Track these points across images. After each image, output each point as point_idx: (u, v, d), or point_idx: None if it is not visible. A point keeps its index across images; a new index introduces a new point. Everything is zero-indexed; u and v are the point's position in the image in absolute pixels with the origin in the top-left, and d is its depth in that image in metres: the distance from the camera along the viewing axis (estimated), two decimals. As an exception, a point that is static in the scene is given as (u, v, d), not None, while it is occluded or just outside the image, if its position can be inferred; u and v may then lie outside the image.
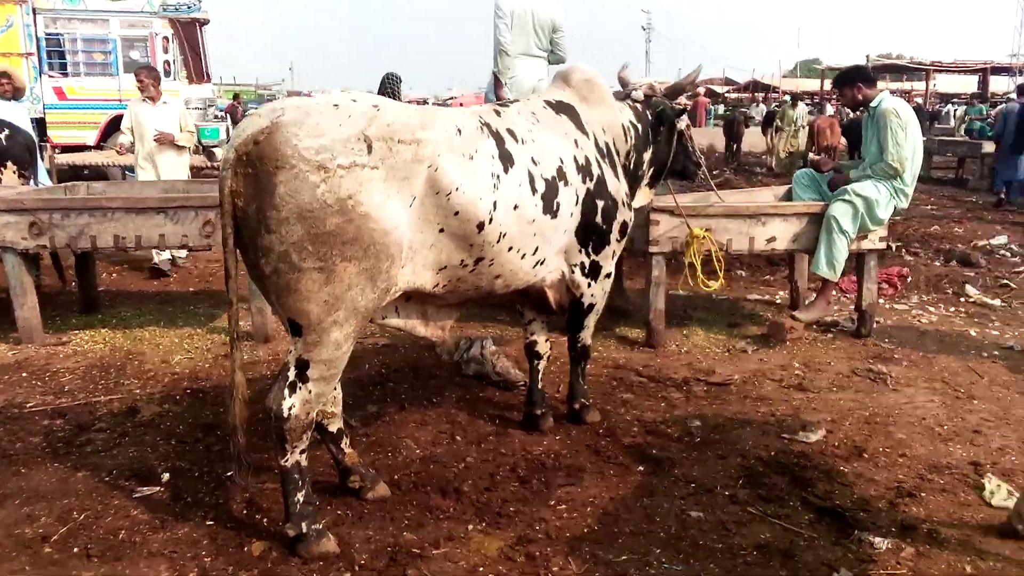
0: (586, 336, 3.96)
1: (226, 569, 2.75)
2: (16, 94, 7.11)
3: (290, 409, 2.76)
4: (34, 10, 13.83)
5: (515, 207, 3.15)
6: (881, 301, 6.28)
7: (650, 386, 4.56)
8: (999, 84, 32.64)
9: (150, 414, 4.11)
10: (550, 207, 3.31)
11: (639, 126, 3.94)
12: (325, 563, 2.77)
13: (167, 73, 15.00)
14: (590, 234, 3.60)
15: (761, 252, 5.26)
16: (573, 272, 3.65)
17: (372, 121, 2.71)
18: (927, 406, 4.25)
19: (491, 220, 3.04)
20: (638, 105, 4.02)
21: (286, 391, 2.77)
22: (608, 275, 3.83)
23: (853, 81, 5.33)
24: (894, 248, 8.18)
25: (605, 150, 3.69)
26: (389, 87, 6.66)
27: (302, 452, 2.83)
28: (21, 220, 5.03)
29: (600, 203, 3.59)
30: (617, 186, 3.70)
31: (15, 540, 2.92)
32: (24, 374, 4.71)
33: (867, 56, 28.70)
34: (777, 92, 29.76)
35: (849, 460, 3.61)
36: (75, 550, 2.86)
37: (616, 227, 3.71)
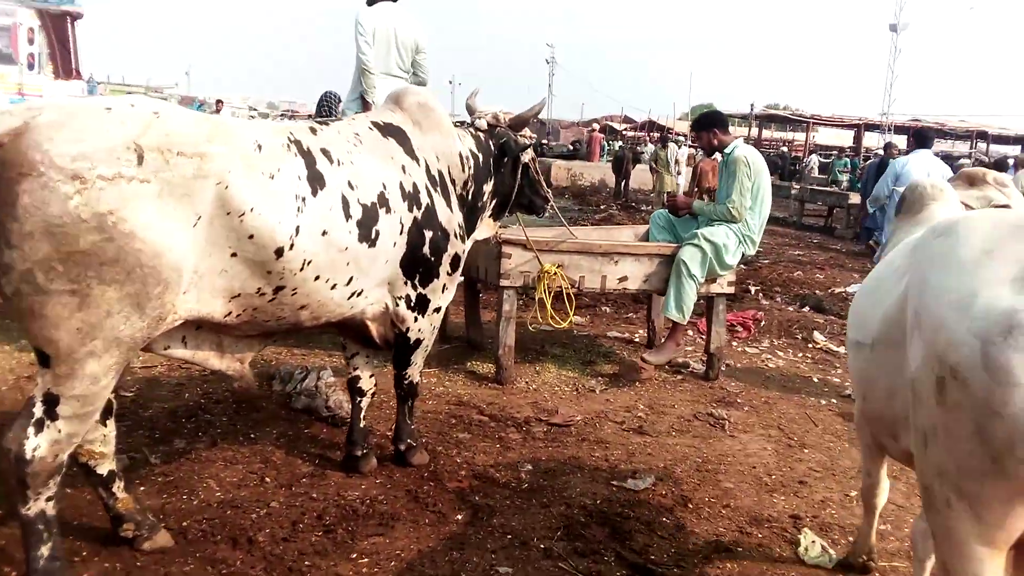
0: (413, 373, 3.74)
1: (-58, 638, 2.36)
2: None
3: (34, 451, 2.40)
4: None
5: (323, 233, 2.91)
6: (734, 344, 6.37)
7: (489, 425, 4.38)
8: (871, 140, 34.86)
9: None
10: (367, 235, 3.09)
11: (480, 156, 3.79)
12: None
13: (31, 66, 14.08)
14: (417, 266, 3.41)
15: (613, 291, 5.21)
16: (398, 305, 3.43)
17: (148, 129, 2.42)
18: (760, 454, 4.25)
19: (292, 246, 2.79)
20: (480, 134, 3.89)
21: (30, 430, 2.40)
22: (437, 309, 3.63)
23: (710, 126, 5.39)
24: (753, 291, 8.40)
25: (437, 178, 3.51)
26: (326, 106, 6.39)
27: (48, 500, 2.46)
28: None
29: (428, 234, 3.40)
30: (449, 217, 3.52)
31: None
32: None
33: (752, 104, 30.06)
34: (671, 132, 30.76)
35: (674, 510, 3.52)
36: None
37: (447, 260, 3.53)
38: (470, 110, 4.09)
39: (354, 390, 3.69)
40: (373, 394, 3.76)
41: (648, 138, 38.78)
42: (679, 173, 16.49)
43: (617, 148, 25.24)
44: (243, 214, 2.63)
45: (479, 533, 3.21)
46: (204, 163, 2.52)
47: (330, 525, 3.18)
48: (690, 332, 5.67)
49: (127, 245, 2.35)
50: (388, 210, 3.19)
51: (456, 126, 3.85)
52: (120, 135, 2.35)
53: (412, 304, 3.46)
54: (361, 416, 3.69)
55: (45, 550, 2.47)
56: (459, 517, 3.34)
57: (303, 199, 2.83)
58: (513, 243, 4.80)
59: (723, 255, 5.08)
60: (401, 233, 3.27)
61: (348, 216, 3.01)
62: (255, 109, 45.39)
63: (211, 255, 2.62)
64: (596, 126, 35.54)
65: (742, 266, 5.36)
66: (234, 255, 2.67)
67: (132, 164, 2.35)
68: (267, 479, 3.55)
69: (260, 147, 2.76)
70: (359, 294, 3.20)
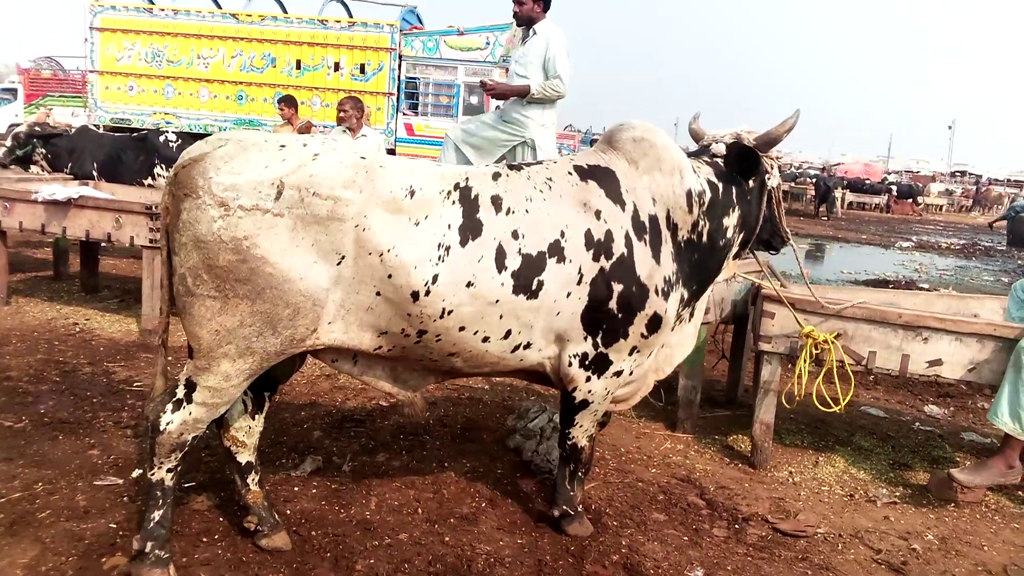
0: (578, 435, 3.32)
1: None
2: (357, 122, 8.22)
3: (167, 424, 2.77)
4: (400, 56, 16.07)
5: (468, 284, 2.81)
6: None
7: (700, 512, 3.68)
8: None
9: None
10: (526, 287, 2.88)
11: (720, 186, 3.23)
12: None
13: (495, 115, 16.32)
14: (600, 322, 3.03)
15: (921, 376, 3.97)
16: (571, 364, 3.08)
17: (298, 169, 2.64)
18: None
19: (428, 292, 2.76)
20: (719, 161, 3.31)
21: (169, 407, 2.79)
22: (618, 373, 3.18)
23: None
24: None
25: (647, 224, 3.07)
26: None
27: (169, 471, 2.81)
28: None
29: (618, 287, 3.00)
30: (652, 269, 3.05)
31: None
32: None
33: None
34: None
35: None
36: None
37: (641, 320, 3.06)
38: (696, 136, 3.54)
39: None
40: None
41: None
42: None
43: None
44: (382, 254, 2.70)
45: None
46: (337, 206, 2.64)
47: (433, 574, 3.01)
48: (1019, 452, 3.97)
49: (259, 268, 2.59)
50: (561, 259, 2.92)
51: (693, 156, 3.37)
52: (272, 172, 2.61)
53: (588, 362, 3.09)
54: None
55: (157, 514, 2.81)
56: (559, 607, 2.87)
57: (446, 248, 2.78)
58: (777, 301, 3.99)
59: (1097, 349, 3.51)
60: (580, 284, 2.97)
61: (502, 267, 2.85)
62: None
63: (359, 292, 2.74)
64: None
65: None
66: (379, 294, 2.75)
67: (270, 199, 2.59)
68: (421, 510, 3.50)
69: (412, 193, 2.78)
70: (527, 347, 3.02)
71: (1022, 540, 3.64)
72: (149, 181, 7.67)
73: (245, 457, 3.13)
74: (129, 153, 7.75)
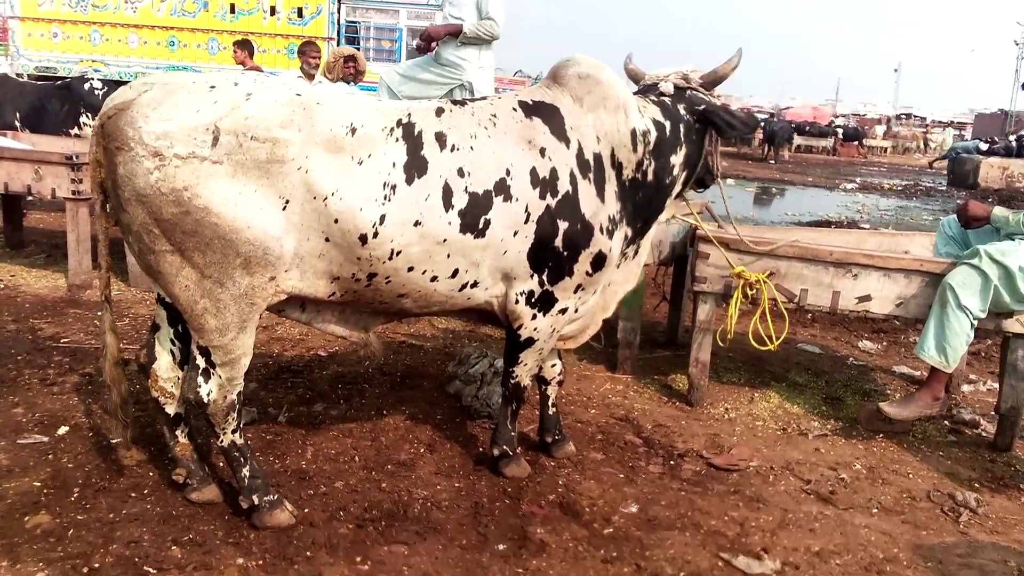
0: (521, 374, 3.32)
1: None
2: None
3: (208, 395, 2.78)
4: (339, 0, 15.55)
5: (416, 223, 2.76)
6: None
7: (637, 450, 3.73)
8: None
9: None
10: (473, 225, 2.85)
11: (667, 125, 3.20)
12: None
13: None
14: (546, 259, 3.02)
15: (851, 312, 4.04)
16: (517, 301, 3.08)
17: (231, 111, 2.51)
18: (992, 572, 2.92)
19: (376, 234, 2.70)
20: (666, 100, 3.28)
21: (199, 379, 2.78)
22: (563, 311, 3.18)
23: None
24: None
25: (591, 163, 3.04)
26: None
27: (234, 431, 2.86)
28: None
29: (563, 225, 2.98)
30: (596, 208, 3.04)
31: None
32: None
33: None
34: None
35: (773, 614, 2.59)
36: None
37: (586, 258, 3.07)
38: (635, 76, 3.50)
39: (538, 378, 3.58)
40: (560, 382, 3.62)
41: None
42: None
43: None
44: (326, 198, 2.63)
45: (504, 571, 2.73)
46: (275, 148, 2.54)
47: (369, 520, 2.99)
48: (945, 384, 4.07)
49: (204, 219, 2.49)
50: (507, 197, 2.89)
51: (639, 95, 3.32)
52: (205, 116, 2.48)
53: (534, 300, 3.09)
54: (549, 404, 3.61)
55: (246, 471, 2.89)
56: (500, 547, 2.88)
57: (392, 187, 2.72)
58: (710, 240, 4.00)
59: (1019, 283, 3.60)
60: (527, 222, 2.94)
61: (449, 206, 2.80)
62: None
63: (310, 239, 2.68)
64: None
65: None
66: (328, 239, 2.69)
67: (207, 145, 2.46)
68: (358, 458, 3.47)
69: (353, 131, 2.69)
70: (473, 285, 3.00)
71: (946, 468, 3.78)
72: (75, 131, 7.33)
73: (173, 408, 3.04)
74: (53, 102, 7.38)
